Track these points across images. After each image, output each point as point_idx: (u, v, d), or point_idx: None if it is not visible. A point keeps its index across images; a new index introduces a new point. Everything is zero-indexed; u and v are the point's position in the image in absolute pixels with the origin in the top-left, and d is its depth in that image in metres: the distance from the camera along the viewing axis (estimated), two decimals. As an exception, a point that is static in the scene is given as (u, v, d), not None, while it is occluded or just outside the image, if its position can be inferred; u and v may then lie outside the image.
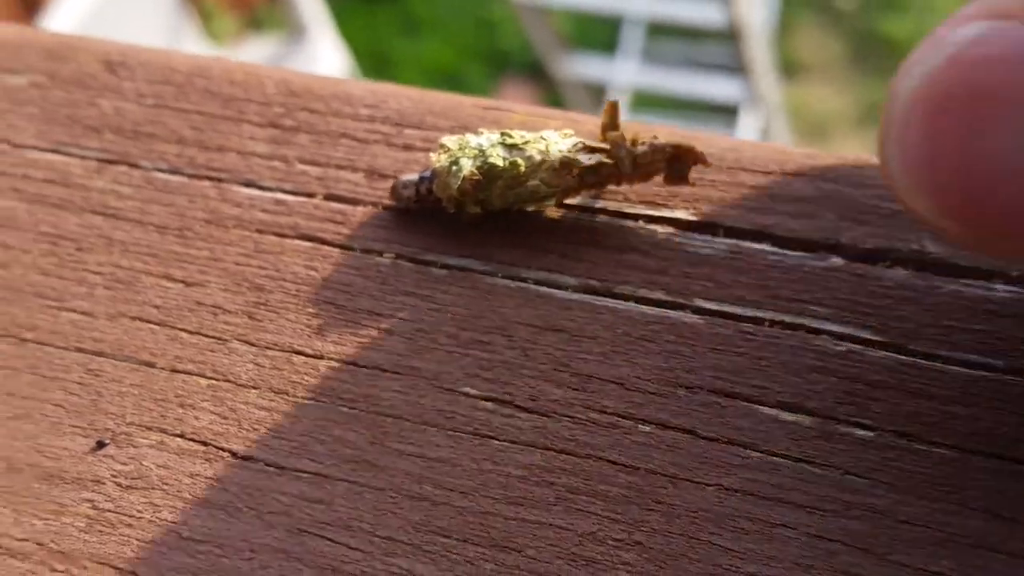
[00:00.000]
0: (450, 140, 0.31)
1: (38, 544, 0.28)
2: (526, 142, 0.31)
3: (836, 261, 0.29)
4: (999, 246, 0.23)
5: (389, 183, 0.32)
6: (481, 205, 0.30)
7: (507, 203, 0.30)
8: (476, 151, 0.30)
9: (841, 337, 0.28)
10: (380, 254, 0.31)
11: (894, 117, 0.23)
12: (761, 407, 0.27)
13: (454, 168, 0.30)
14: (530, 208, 0.31)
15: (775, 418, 0.27)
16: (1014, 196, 0.21)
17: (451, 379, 0.29)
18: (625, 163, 0.30)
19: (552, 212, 0.31)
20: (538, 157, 0.30)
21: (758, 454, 0.27)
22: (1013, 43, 0.21)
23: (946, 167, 0.22)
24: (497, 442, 0.28)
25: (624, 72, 2.30)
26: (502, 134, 0.31)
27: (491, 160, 0.30)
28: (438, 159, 0.31)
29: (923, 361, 0.27)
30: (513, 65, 2.75)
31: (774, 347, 0.28)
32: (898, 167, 0.23)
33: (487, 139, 0.31)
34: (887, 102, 0.23)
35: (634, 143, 0.30)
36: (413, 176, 0.31)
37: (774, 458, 0.26)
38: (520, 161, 0.30)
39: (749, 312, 0.28)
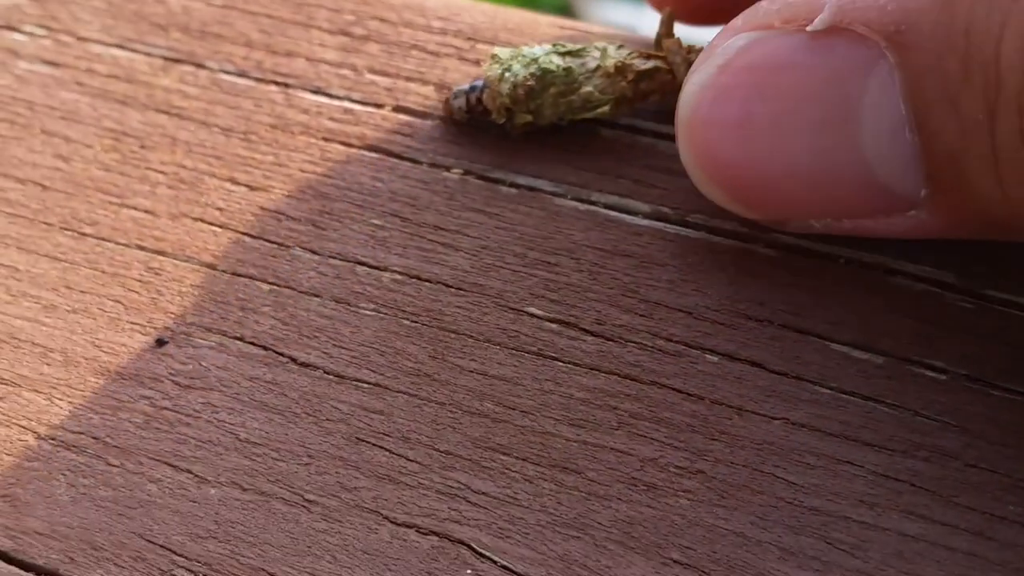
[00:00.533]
0: (503, 51, 0.30)
1: (93, 438, 0.28)
2: (581, 50, 0.30)
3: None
4: (778, 221, 0.27)
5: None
6: (533, 115, 0.30)
7: (559, 112, 0.30)
8: (529, 59, 0.30)
9: (918, 278, 0.27)
10: (448, 169, 0.31)
11: (680, 121, 0.26)
12: (832, 343, 0.27)
13: (506, 75, 0.29)
14: (584, 116, 0.30)
15: (846, 355, 0.27)
16: (780, 184, 0.26)
17: (516, 298, 0.28)
18: (680, 70, 0.29)
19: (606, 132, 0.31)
20: (592, 63, 0.29)
21: (827, 390, 0.26)
22: (772, 50, 0.25)
23: (723, 163, 0.26)
24: (560, 363, 0.27)
25: (653, 20, 2.27)
26: (555, 44, 0.30)
27: (544, 66, 0.29)
28: (489, 68, 0.30)
29: (1000, 307, 0.27)
30: (542, 7, 2.72)
31: (849, 284, 0.27)
32: (689, 163, 0.27)
33: (540, 49, 0.30)
34: (677, 108, 0.27)
35: (689, 51, 0.29)
36: (464, 86, 0.31)
37: (843, 395, 0.26)
38: (574, 66, 0.29)
39: (824, 248, 0.28)
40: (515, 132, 0.30)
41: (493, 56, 0.30)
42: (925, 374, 0.26)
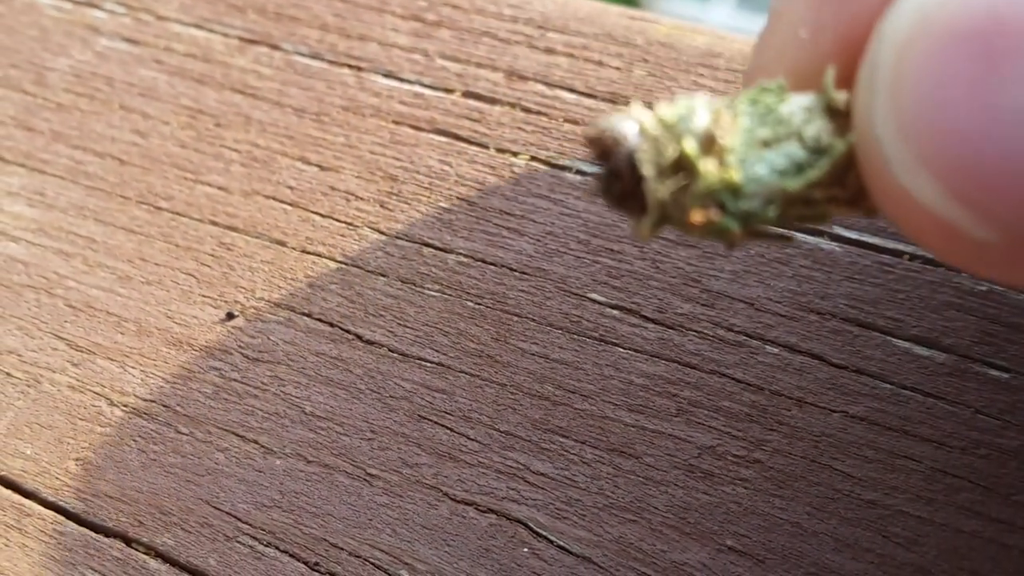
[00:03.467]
0: (660, 115, 0.17)
1: (164, 406, 0.28)
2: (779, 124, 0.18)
3: (983, 200, 0.28)
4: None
5: (528, 85, 0.32)
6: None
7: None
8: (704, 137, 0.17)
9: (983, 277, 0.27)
10: (515, 155, 0.31)
11: (881, 61, 0.16)
12: (894, 339, 0.27)
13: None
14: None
15: (908, 351, 0.27)
16: None
17: (578, 284, 0.29)
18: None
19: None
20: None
21: (888, 385, 0.26)
22: None
23: (967, 124, 0.15)
24: (621, 349, 0.28)
25: (719, 14, 2.26)
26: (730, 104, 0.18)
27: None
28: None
29: (1065, 308, 0.27)
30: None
31: (912, 281, 0.27)
32: (891, 131, 0.16)
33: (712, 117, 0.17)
34: (869, 46, 0.17)
35: None
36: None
37: (904, 391, 0.26)
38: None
39: (890, 244, 0.28)
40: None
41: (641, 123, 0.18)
42: (988, 373, 0.26)
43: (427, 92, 0.32)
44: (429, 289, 0.29)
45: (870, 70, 0.16)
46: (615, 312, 0.28)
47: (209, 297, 0.30)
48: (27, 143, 0.34)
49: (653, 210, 0.17)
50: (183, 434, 0.28)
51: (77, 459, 0.28)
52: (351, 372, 0.28)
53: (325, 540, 0.26)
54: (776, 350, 0.27)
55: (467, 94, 0.32)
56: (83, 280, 0.31)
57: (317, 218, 0.31)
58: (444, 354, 0.28)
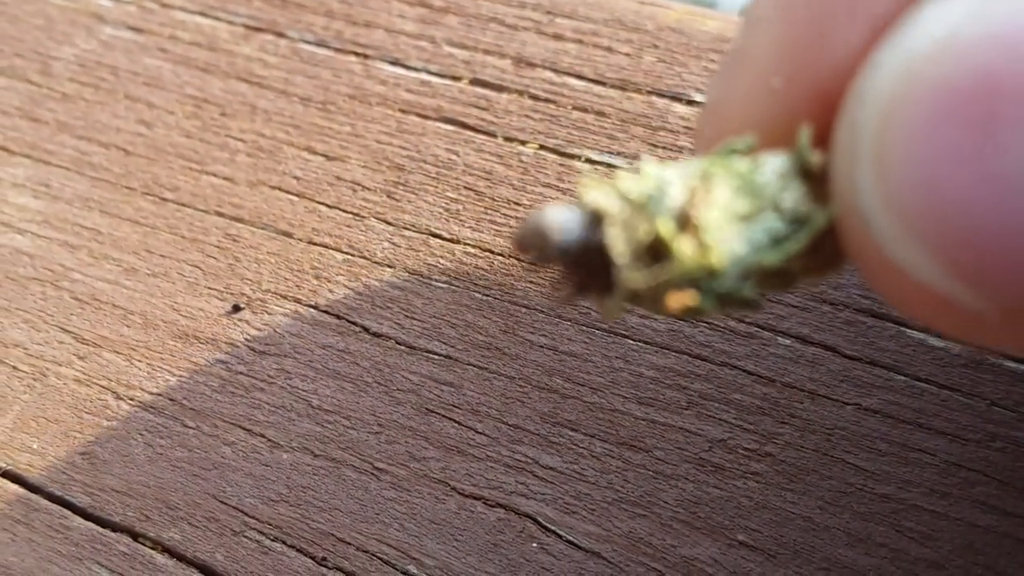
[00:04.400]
0: (627, 193, 0.16)
1: (171, 400, 0.28)
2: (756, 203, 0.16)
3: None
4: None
5: (536, 72, 0.31)
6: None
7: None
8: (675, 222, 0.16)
9: (999, 266, 0.27)
10: (523, 143, 0.31)
11: (863, 125, 0.15)
12: (909, 330, 0.26)
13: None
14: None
15: (923, 342, 0.26)
16: None
17: (588, 275, 0.28)
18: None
19: None
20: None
21: (902, 377, 0.26)
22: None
23: (965, 196, 0.14)
24: (631, 341, 0.27)
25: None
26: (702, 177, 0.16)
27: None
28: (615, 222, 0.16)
29: (1083, 298, 0.26)
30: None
31: (927, 270, 0.27)
32: (878, 203, 0.15)
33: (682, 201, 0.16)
34: (847, 105, 0.15)
35: None
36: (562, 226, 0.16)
37: (919, 383, 0.26)
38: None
39: (903, 232, 0.28)
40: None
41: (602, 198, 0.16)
42: (1004, 364, 0.26)
43: (434, 80, 0.32)
44: (437, 280, 0.29)
45: (850, 134, 0.15)
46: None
47: (215, 289, 0.30)
48: (32, 134, 0.33)
49: (623, 295, 0.16)
50: (190, 428, 0.28)
51: (83, 453, 0.28)
52: (358, 365, 0.28)
53: (332, 535, 0.26)
54: (788, 341, 0.27)
55: (474, 81, 0.32)
56: (89, 272, 0.30)
57: (323, 208, 0.30)
58: (452, 346, 0.28)
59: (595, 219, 0.16)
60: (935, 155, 0.14)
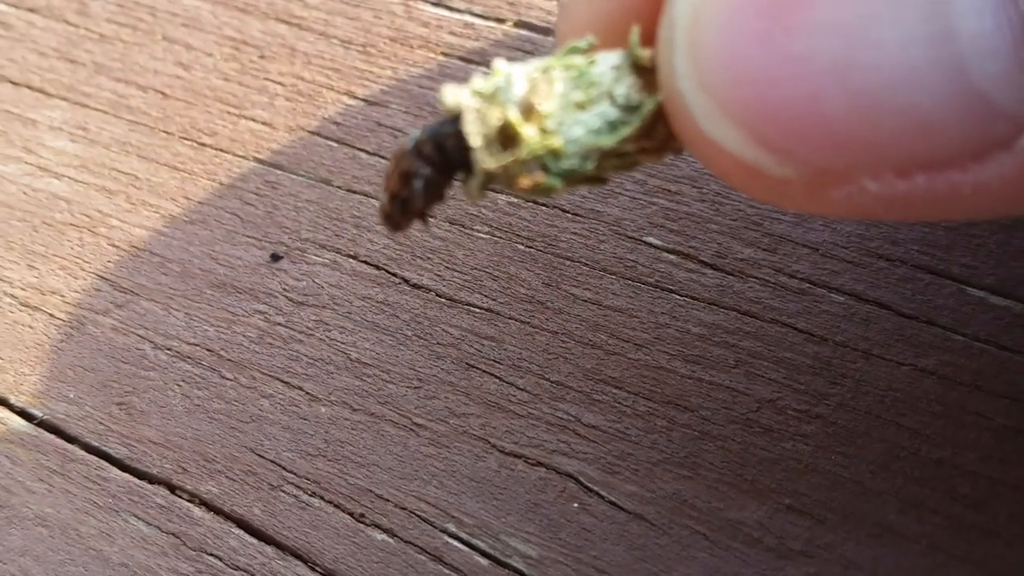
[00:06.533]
0: (478, 88, 0.18)
1: (208, 350, 0.28)
2: (590, 85, 0.18)
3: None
4: (816, 179, 0.17)
5: (584, 14, 0.30)
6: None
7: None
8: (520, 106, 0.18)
9: (1066, 222, 0.26)
10: (569, 89, 0.30)
11: (679, 18, 0.17)
12: (969, 288, 0.25)
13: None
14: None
15: (983, 301, 0.25)
16: (830, 106, 0.16)
17: (634, 227, 0.28)
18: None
19: None
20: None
21: (960, 337, 0.25)
22: None
23: (745, 78, 0.16)
24: (678, 296, 0.27)
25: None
26: (544, 70, 0.18)
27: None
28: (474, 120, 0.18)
29: None
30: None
31: (989, 225, 0.26)
32: (693, 85, 0.17)
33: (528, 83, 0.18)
34: (666, 8, 0.17)
35: None
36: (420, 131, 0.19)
37: (977, 343, 0.25)
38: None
39: (965, 185, 0.26)
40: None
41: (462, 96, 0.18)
42: (1067, 325, 0.25)
43: (478, 22, 0.31)
44: (478, 231, 0.28)
45: (669, 28, 0.17)
46: (672, 257, 0.27)
47: (253, 238, 0.29)
48: (69, 75, 0.33)
49: (479, 176, 0.18)
50: (227, 379, 0.27)
51: (120, 404, 0.27)
52: (397, 317, 0.27)
53: (371, 491, 0.25)
54: (842, 298, 0.26)
55: (519, 24, 0.31)
56: (126, 219, 0.30)
57: (363, 155, 0.30)
58: (493, 299, 0.27)
59: (455, 116, 0.18)
60: (735, 40, 0.16)
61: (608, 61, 0.18)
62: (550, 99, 0.18)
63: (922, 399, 0.24)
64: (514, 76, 0.18)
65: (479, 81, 0.18)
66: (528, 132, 0.18)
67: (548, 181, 0.18)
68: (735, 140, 0.17)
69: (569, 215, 0.28)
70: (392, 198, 0.19)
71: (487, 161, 0.18)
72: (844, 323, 0.26)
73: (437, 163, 0.19)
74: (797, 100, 0.16)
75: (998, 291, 0.25)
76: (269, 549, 0.25)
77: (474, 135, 0.18)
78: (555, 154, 0.18)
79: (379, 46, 0.31)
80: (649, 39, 0.18)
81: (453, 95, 0.18)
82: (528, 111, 0.18)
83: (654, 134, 0.18)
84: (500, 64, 0.18)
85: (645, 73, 0.18)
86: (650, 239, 0.27)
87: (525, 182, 0.18)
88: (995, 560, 0.23)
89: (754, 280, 0.26)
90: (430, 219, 0.20)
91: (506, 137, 0.18)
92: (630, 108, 0.18)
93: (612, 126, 0.18)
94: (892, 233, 0.26)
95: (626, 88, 0.18)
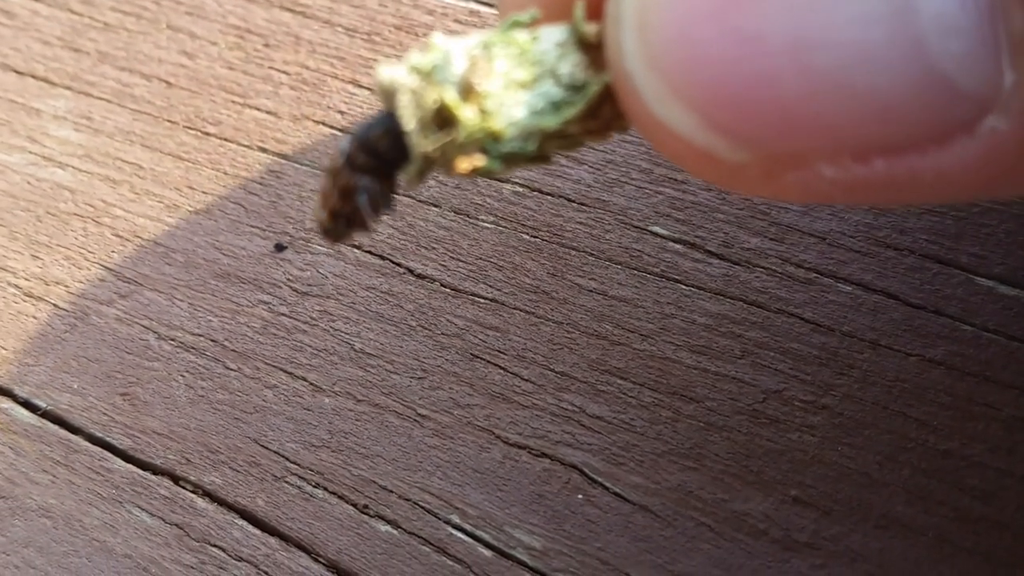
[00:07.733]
0: (415, 64, 0.17)
1: (212, 341, 0.28)
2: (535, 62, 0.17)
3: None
4: (771, 164, 0.16)
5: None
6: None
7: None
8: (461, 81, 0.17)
9: (1077, 211, 0.25)
10: (574, 77, 0.29)
11: (624, 4, 0.16)
12: (977, 277, 0.25)
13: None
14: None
15: (991, 290, 0.25)
16: (784, 89, 0.15)
17: (639, 216, 0.27)
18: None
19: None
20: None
21: (969, 327, 0.25)
22: None
23: (697, 60, 0.15)
24: (684, 286, 0.26)
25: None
26: (484, 46, 0.17)
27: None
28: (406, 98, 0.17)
29: None
30: None
31: (998, 214, 0.26)
32: (642, 64, 0.16)
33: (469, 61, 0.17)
34: None
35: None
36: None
37: (986, 333, 0.24)
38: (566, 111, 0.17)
39: (975, 174, 0.26)
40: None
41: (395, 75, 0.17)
42: (1078, 315, 0.24)
43: (483, 9, 0.31)
44: (483, 221, 0.28)
45: (616, 4, 0.16)
46: (678, 246, 0.27)
47: (257, 228, 0.29)
48: (74, 64, 0.33)
49: (417, 161, 0.17)
50: (231, 370, 0.27)
51: (124, 394, 0.27)
52: (402, 308, 0.27)
53: (374, 482, 0.25)
54: (849, 288, 0.26)
55: (525, 11, 0.31)
56: (130, 208, 0.30)
57: (368, 144, 0.29)
58: (498, 290, 0.27)
59: (383, 112, 0.17)
60: (686, 17, 0.15)
61: (552, 37, 0.17)
62: (490, 78, 0.17)
63: (930, 390, 0.24)
64: (453, 53, 0.17)
65: (416, 56, 0.17)
66: (467, 114, 0.16)
67: (488, 164, 0.17)
68: (686, 123, 0.16)
69: (575, 204, 0.28)
70: (333, 216, 0.18)
71: (423, 144, 0.17)
72: (851, 313, 0.25)
73: (375, 169, 0.17)
74: (750, 81, 0.15)
75: (1007, 280, 0.25)
76: (273, 540, 0.25)
77: (408, 118, 0.16)
78: (495, 137, 0.17)
79: (384, 34, 0.31)
80: (595, 12, 0.17)
81: (388, 73, 0.17)
82: (467, 91, 0.17)
83: (600, 114, 0.17)
84: (438, 39, 0.17)
85: (591, 50, 0.17)
86: (656, 228, 0.27)
87: (463, 166, 0.17)
88: (1003, 552, 0.22)
89: (761, 270, 0.26)
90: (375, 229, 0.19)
91: (443, 119, 0.17)
92: (575, 88, 0.17)
93: (556, 106, 0.17)
94: (900, 222, 0.26)
95: (571, 67, 0.17)
